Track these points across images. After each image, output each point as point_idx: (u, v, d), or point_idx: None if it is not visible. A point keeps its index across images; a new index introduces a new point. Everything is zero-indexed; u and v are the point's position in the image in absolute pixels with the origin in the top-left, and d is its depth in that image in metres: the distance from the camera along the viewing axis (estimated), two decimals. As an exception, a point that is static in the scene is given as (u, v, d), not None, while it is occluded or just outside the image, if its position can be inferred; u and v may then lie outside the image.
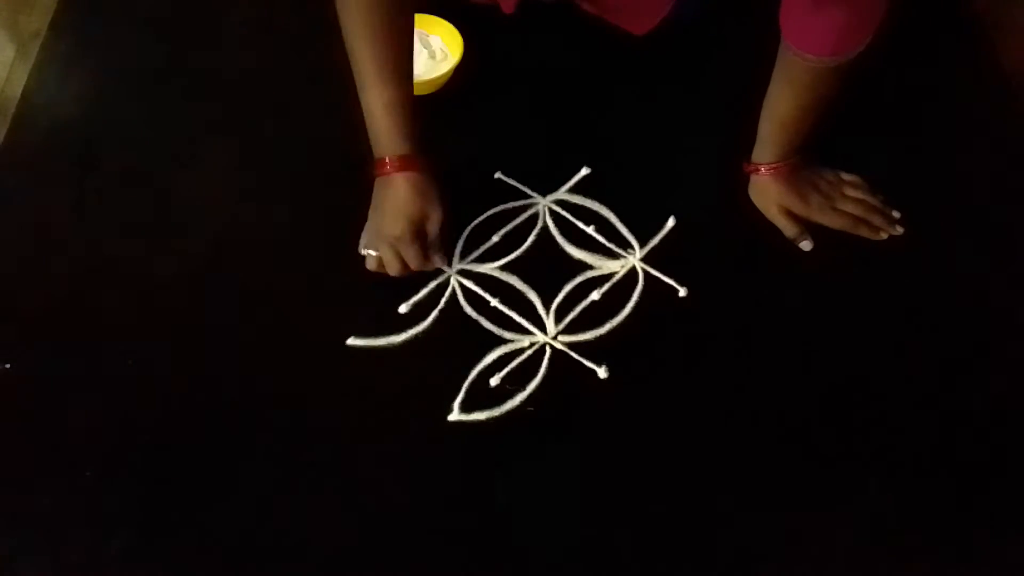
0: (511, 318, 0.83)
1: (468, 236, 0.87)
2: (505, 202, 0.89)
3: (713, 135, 0.93)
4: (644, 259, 0.86)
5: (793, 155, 0.86)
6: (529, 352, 0.81)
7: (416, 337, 0.81)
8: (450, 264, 0.85)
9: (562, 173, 0.91)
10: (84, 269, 0.85)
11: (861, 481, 0.76)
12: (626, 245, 0.87)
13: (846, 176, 0.89)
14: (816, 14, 0.75)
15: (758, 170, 0.87)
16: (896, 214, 0.88)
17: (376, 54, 0.80)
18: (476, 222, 0.88)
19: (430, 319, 0.82)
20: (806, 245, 0.86)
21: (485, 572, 0.72)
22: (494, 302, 0.83)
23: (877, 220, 0.87)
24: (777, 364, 0.81)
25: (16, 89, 0.99)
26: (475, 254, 0.86)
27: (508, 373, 0.79)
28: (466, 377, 0.79)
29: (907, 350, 0.82)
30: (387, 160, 0.82)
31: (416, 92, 0.94)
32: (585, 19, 0.96)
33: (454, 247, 0.86)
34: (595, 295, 0.84)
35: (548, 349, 0.81)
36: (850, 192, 0.88)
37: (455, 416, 0.78)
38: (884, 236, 0.87)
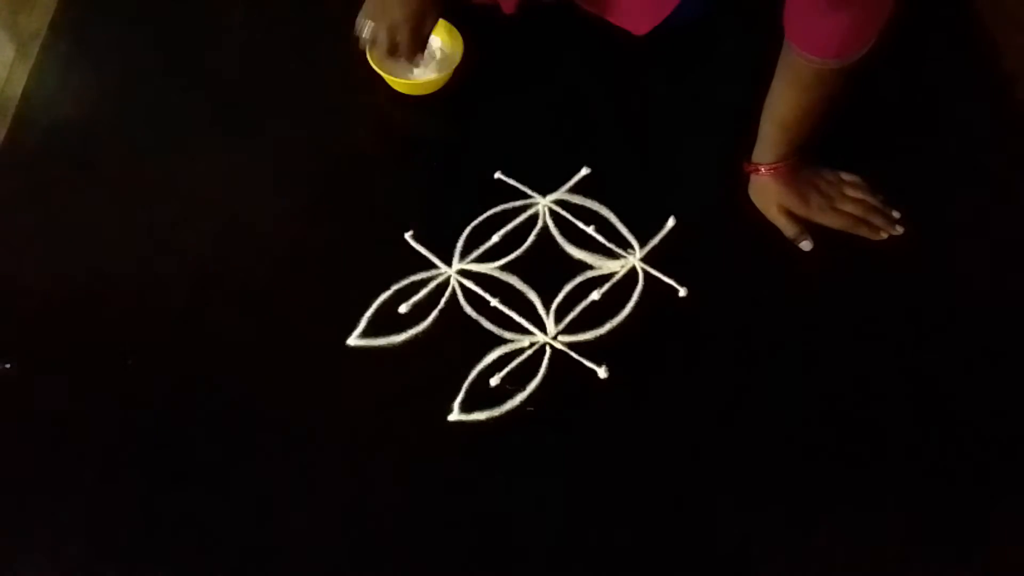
0: (511, 318, 0.83)
1: (468, 236, 0.87)
2: (505, 202, 0.89)
3: (713, 135, 0.93)
4: (644, 259, 0.86)
5: (793, 155, 0.86)
6: (529, 352, 0.81)
7: (416, 337, 0.82)
8: (449, 264, 0.85)
9: (562, 173, 0.91)
10: (84, 269, 0.85)
11: (861, 481, 0.76)
12: (626, 245, 0.87)
13: (846, 176, 0.89)
14: (822, 16, 0.75)
15: (758, 170, 0.87)
16: (896, 214, 0.88)
17: None
18: (476, 222, 0.88)
19: (430, 319, 0.82)
20: (806, 245, 0.86)
21: (485, 572, 0.72)
22: (494, 302, 0.83)
23: (877, 220, 0.87)
24: (777, 364, 0.81)
25: (16, 89, 0.99)
26: (475, 254, 0.86)
27: (508, 373, 0.79)
28: (466, 377, 0.79)
29: (907, 350, 0.82)
30: None
31: (416, 92, 0.94)
32: (585, 19, 0.96)
33: (454, 248, 0.86)
34: (595, 295, 0.84)
35: (548, 349, 0.81)
36: (850, 192, 0.88)
37: (455, 416, 0.78)
38: (884, 236, 0.87)
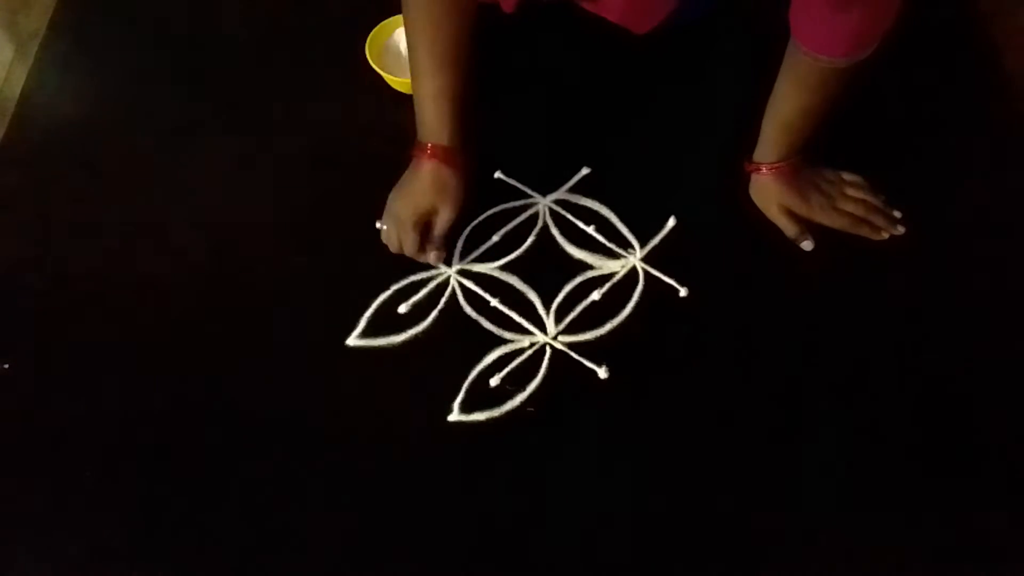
0: (511, 318, 0.83)
1: (468, 236, 0.87)
2: (505, 202, 0.89)
3: (713, 135, 0.93)
4: (644, 259, 0.86)
5: (795, 155, 0.86)
6: (529, 352, 0.81)
7: (416, 337, 0.82)
8: (449, 264, 0.85)
9: (562, 173, 0.91)
10: (84, 269, 0.85)
11: (861, 481, 0.76)
12: (626, 245, 0.87)
13: (847, 176, 0.89)
14: (829, 15, 0.74)
15: (759, 169, 0.87)
16: (897, 214, 0.88)
17: (432, 41, 0.81)
18: (476, 222, 0.88)
19: (430, 319, 0.82)
20: (807, 245, 0.86)
21: (485, 572, 0.72)
22: (494, 302, 0.83)
23: (878, 220, 0.87)
24: (777, 364, 0.81)
25: (15, 89, 0.99)
26: (475, 254, 0.86)
27: (508, 373, 0.79)
28: (466, 377, 0.79)
29: (907, 350, 0.82)
30: (424, 146, 0.83)
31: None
32: (585, 19, 0.95)
33: (454, 248, 0.86)
34: (595, 295, 0.84)
35: (548, 349, 0.81)
36: (851, 192, 0.88)
37: (455, 416, 0.78)
38: (885, 236, 0.87)
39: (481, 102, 0.95)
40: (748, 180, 0.89)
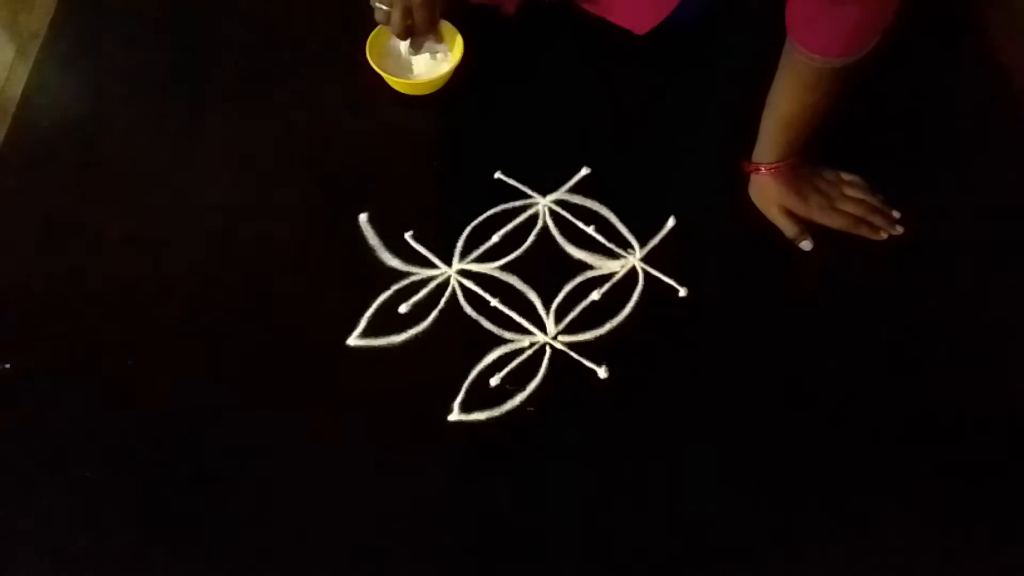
0: (511, 318, 0.83)
1: (468, 236, 0.87)
2: (505, 202, 0.89)
3: (713, 135, 0.93)
4: (644, 259, 0.86)
5: (794, 155, 0.86)
6: (529, 352, 0.81)
7: (416, 337, 0.82)
8: (450, 262, 0.85)
9: (562, 173, 0.91)
10: (84, 269, 0.85)
11: (861, 481, 0.76)
12: (626, 245, 0.87)
13: (846, 176, 0.89)
14: (825, 14, 0.74)
15: (758, 170, 0.87)
16: (896, 214, 0.88)
17: None
18: (476, 222, 0.88)
19: (430, 319, 0.82)
20: (806, 245, 0.86)
21: (485, 572, 0.72)
22: (494, 302, 0.83)
23: (877, 220, 0.87)
24: (777, 364, 0.81)
25: (16, 89, 0.99)
26: (475, 254, 0.86)
27: (508, 373, 0.79)
28: (466, 377, 0.79)
29: (907, 350, 0.82)
30: None
31: (416, 92, 0.94)
32: (585, 19, 0.96)
33: (454, 247, 0.86)
34: (595, 295, 0.84)
35: (548, 349, 0.81)
36: (850, 192, 0.88)
37: (455, 416, 0.78)
38: (884, 236, 0.87)
39: (481, 102, 0.96)
40: (747, 180, 0.89)
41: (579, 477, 0.76)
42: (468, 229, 0.87)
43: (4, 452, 0.77)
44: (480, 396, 0.78)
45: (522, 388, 0.79)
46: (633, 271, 0.85)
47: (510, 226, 0.88)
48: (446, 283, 0.85)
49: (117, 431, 0.77)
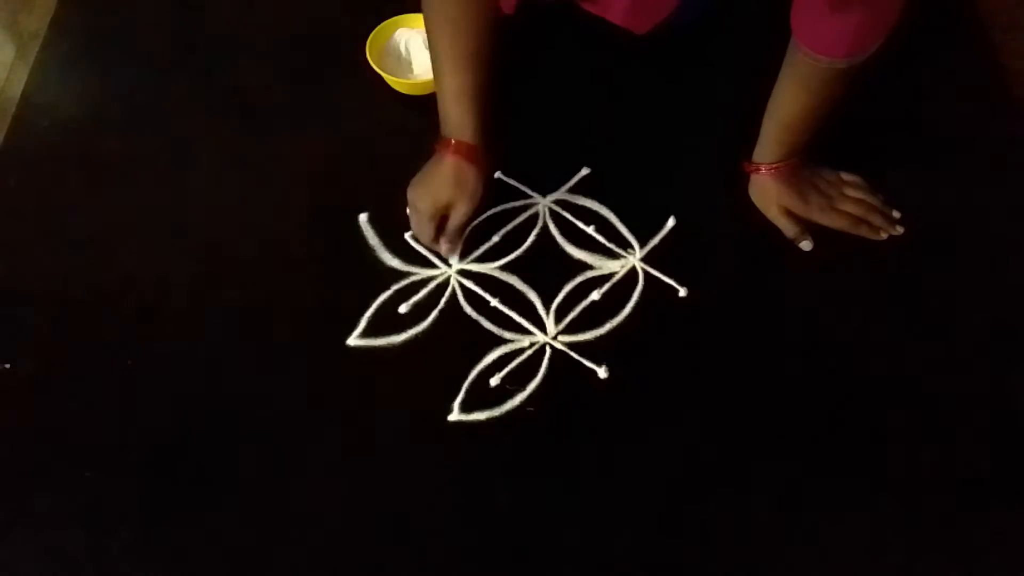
0: (511, 318, 0.83)
1: (468, 236, 0.87)
2: (505, 202, 0.89)
3: (713, 135, 0.93)
4: (644, 259, 0.86)
5: (794, 156, 0.86)
6: (529, 352, 0.81)
7: (416, 337, 0.82)
8: (459, 260, 0.85)
9: (562, 173, 0.91)
10: (84, 269, 0.85)
11: (861, 481, 0.76)
12: (626, 245, 0.87)
13: (846, 176, 0.89)
14: (831, 15, 0.74)
15: (758, 170, 0.87)
16: (896, 214, 0.88)
17: (452, 40, 0.81)
18: (476, 222, 0.88)
19: (430, 319, 0.82)
20: (806, 245, 0.86)
21: (485, 572, 0.72)
22: (494, 302, 0.83)
23: (877, 220, 0.87)
24: (777, 364, 0.81)
25: (16, 89, 0.99)
26: (475, 254, 0.86)
27: (508, 373, 0.79)
28: (466, 377, 0.79)
29: (907, 350, 0.82)
30: (447, 141, 0.83)
31: (416, 92, 0.94)
32: (585, 19, 0.95)
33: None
34: (595, 295, 0.84)
35: (548, 349, 0.81)
36: (850, 192, 0.88)
37: (455, 416, 0.78)
38: (884, 236, 0.87)
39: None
40: (748, 180, 0.89)
41: (579, 477, 0.76)
42: (468, 229, 0.87)
43: (4, 452, 0.77)
44: (480, 396, 0.78)
45: (522, 388, 0.79)
46: (633, 271, 0.85)
47: (510, 226, 0.88)
48: (446, 283, 0.85)
49: (117, 431, 0.77)
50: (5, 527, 0.73)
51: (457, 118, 0.83)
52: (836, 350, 0.82)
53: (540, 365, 0.80)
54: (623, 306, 0.83)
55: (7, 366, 0.80)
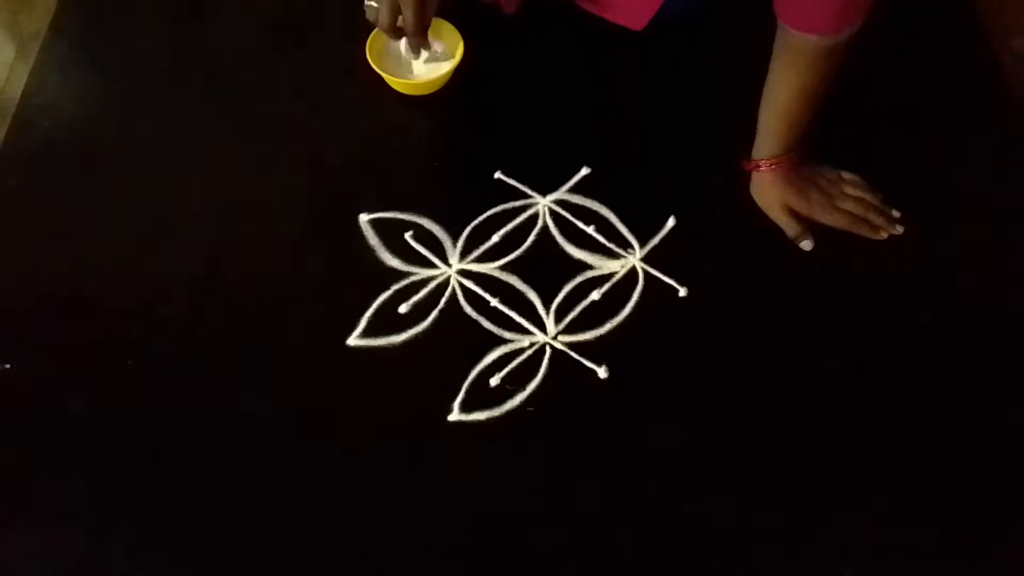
0: (511, 318, 0.83)
1: (468, 236, 0.87)
2: (505, 202, 0.89)
3: (713, 135, 0.93)
4: (644, 259, 0.86)
5: (792, 149, 0.86)
6: (529, 352, 0.81)
7: (416, 337, 0.82)
8: (448, 263, 0.85)
9: (562, 173, 0.91)
10: (84, 269, 0.85)
11: (862, 481, 0.76)
12: (626, 245, 0.87)
13: (846, 175, 0.89)
14: None
15: (758, 167, 0.87)
16: (896, 213, 0.88)
17: None
18: (476, 222, 0.88)
19: (430, 319, 0.82)
20: (807, 245, 0.86)
21: (485, 572, 0.72)
22: (494, 302, 0.83)
23: (877, 219, 0.87)
24: (777, 364, 0.81)
25: (16, 89, 0.99)
26: (475, 254, 0.86)
27: (508, 373, 0.79)
28: (466, 377, 0.79)
29: (907, 350, 0.82)
30: None
31: (416, 92, 0.94)
32: (585, 19, 0.96)
33: (455, 245, 0.86)
34: (595, 295, 0.84)
35: (548, 349, 0.81)
36: (850, 191, 0.88)
37: (455, 416, 0.78)
38: (884, 235, 0.87)
39: (481, 102, 0.96)
40: (748, 180, 0.89)
41: (579, 477, 0.76)
42: (468, 229, 0.87)
43: (4, 452, 0.77)
44: (480, 396, 0.78)
45: (522, 388, 0.79)
46: (633, 271, 0.85)
47: (510, 226, 0.88)
48: (446, 283, 0.85)
49: (117, 431, 0.77)
50: (5, 527, 0.73)
51: None
52: (836, 350, 0.82)
53: (540, 365, 0.80)
54: (623, 306, 0.83)
55: (7, 366, 0.80)
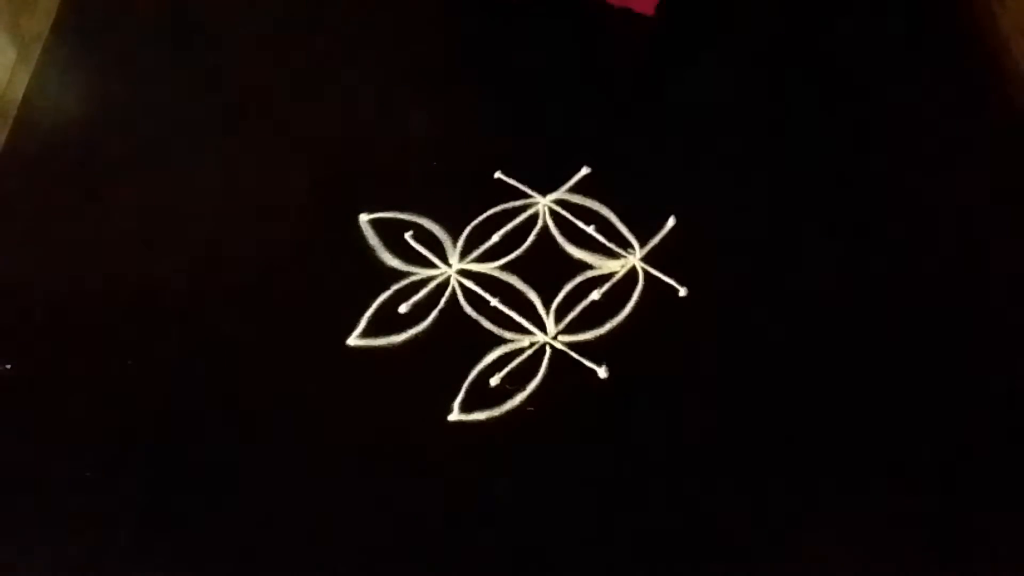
0: (511, 318, 0.83)
1: (468, 236, 0.87)
2: (505, 202, 0.89)
3: (714, 134, 0.93)
4: (644, 259, 0.86)
5: None
6: (529, 352, 0.81)
7: (416, 337, 0.82)
8: (460, 260, 0.85)
9: (562, 173, 0.91)
10: (84, 270, 0.86)
11: (862, 482, 0.75)
12: (626, 245, 0.87)
13: None
14: None
15: None
16: None
17: None
18: (476, 222, 0.88)
19: (430, 319, 0.82)
20: None
21: (485, 572, 0.72)
22: (494, 302, 0.83)
23: None
24: (777, 364, 0.81)
25: (17, 92, 0.99)
26: (475, 254, 0.86)
27: (508, 373, 0.79)
28: (466, 377, 0.79)
29: (908, 350, 0.82)
30: None
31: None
32: (585, 18, 0.95)
33: (456, 242, 0.86)
34: (595, 295, 0.84)
35: (548, 349, 0.81)
36: None
37: (455, 416, 0.78)
38: None
39: (481, 101, 0.96)
40: (748, 180, 0.89)
41: (579, 477, 0.76)
42: (468, 229, 0.87)
43: (4, 452, 0.77)
44: (480, 396, 0.78)
45: (522, 388, 0.79)
46: (633, 271, 0.85)
47: (510, 226, 0.88)
48: (446, 283, 0.85)
49: (117, 431, 0.77)
50: (5, 527, 0.73)
51: None
52: (836, 350, 0.81)
53: (540, 365, 0.80)
54: (623, 306, 0.83)
55: (7, 366, 0.80)
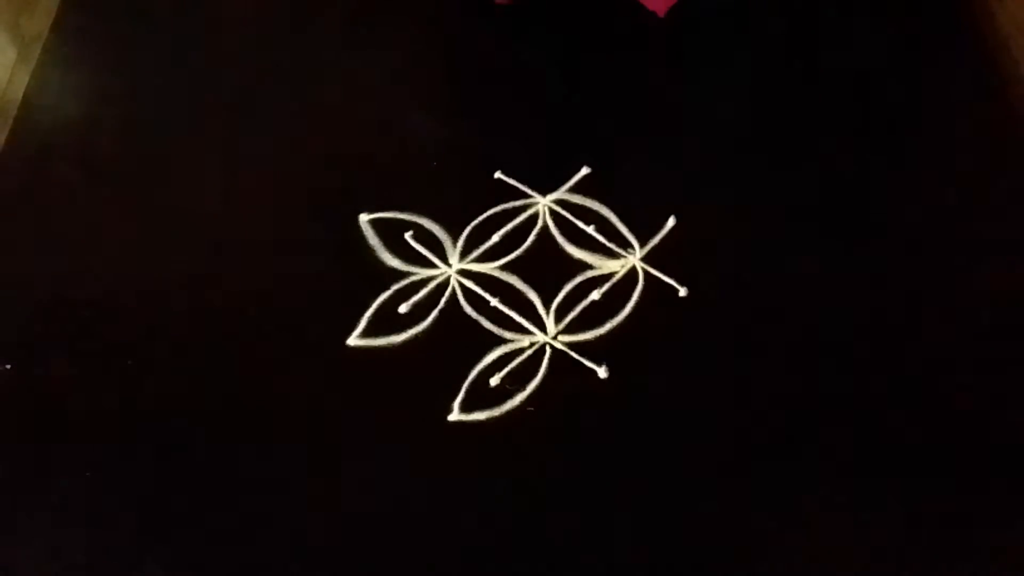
0: (511, 318, 0.83)
1: (468, 236, 0.87)
2: (505, 202, 0.89)
3: (715, 134, 0.93)
4: (644, 259, 0.86)
5: None
6: (529, 352, 0.81)
7: (416, 337, 0.82)
8: (460, 260, 0.85)
9: (562, 173, 0.91)
10: (84, 270, 0.86)
11: (862, 482, 0.75)
12: (626, 245, 0.87)
13: None
14: None
15: None
16: None
17: None
18: (476, 222, 0.88)
19: (430, 319, 0.82)
20: None
21: (485, 572, 0.72)
22: (494, 302, 0.83)
23: None
24: (778, 364, 0.81)
25: (17, 92, 0.99)
26: (475, 254, 0.86)
27: (508, 373, 0.79)
28: (466, 377, 0.79)
29: (908, 351, 0.82)
30: None
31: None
32: (585, 19, 0.95)
33: (456, 242, 0.86)
34: (595, 295, 0.84)
35: (548, 349, 0.81)
36: None
37: (455, 416, 0.78)
38: None
39: (481, 101, 0.96)
40: (748, 180, 0.89)
41: (579, 477, 0.76)
42: (468, 229, 0.87)
43: (4, 452, 0.77)
44: (480, 396, 0.78)
45: (522, 388, 0.79)
46: (633, 271, 0.85)
47: (510, 226, 0.88)
48: (446, 283, 0.85)
49: (117, 431, 0.77)
50: (5, 527, 0.73)
51: None
52: (836, 350, 0.81)
53: (540, 365, 0.80)
54: (623, 306, 0.83)
55: (7, 366, 0.80)
